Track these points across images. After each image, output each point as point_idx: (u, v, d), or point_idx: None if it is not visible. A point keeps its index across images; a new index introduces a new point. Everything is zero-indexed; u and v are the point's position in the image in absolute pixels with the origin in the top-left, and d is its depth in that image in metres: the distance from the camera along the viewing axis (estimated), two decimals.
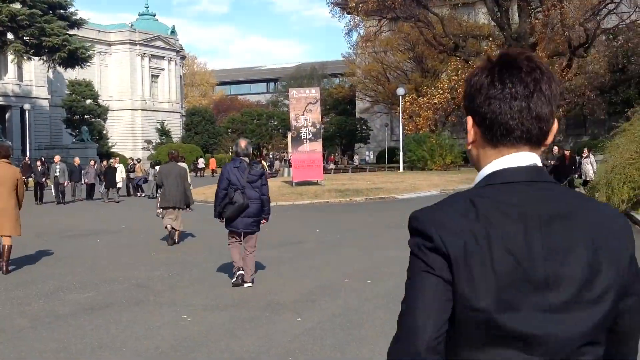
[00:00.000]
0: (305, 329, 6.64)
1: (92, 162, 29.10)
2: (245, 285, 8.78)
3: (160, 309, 7.68)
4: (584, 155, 22.69)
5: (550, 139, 1.54)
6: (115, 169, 27.49)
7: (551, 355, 1.37)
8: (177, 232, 13.36)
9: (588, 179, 21.85)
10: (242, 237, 8.93)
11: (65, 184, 26.05)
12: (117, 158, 32.18)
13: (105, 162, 29.96)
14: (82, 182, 27.86)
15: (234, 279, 8.88)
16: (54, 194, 26.22)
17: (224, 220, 8.90)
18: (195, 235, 14.65)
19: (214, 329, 6.74)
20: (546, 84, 1.50)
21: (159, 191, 13.98)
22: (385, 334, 6.37)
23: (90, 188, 28.08)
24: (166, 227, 13.31)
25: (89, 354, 5.94)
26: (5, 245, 10.11)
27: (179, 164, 17.60)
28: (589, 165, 21.91)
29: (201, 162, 55.62)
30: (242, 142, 9.17)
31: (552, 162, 22.59)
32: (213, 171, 52.23)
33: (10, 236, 10.08)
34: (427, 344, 1.37)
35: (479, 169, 1.57)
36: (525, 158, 1.50)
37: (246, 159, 9.00)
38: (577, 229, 1.43)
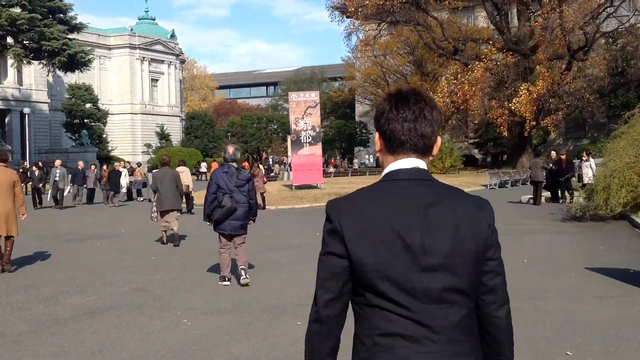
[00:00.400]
0: (304, 333, 6.63)
1: (92, 167, 29.09)
2: (242, 280, 9.14)
3: (160, 312, 7.68)
4: (584, 158, 22.70)
5: (435, 151, 2.15)
6: (119, 173, 27.50)
7: (422, 300, 1.94)
8: (174, 232, 13.88)
9: (587, 181, 21.85)
10: (229, 239, 9.32)
11: (65, 189, 25.78)
12: (122, 162, 32.25)
13: (105, 167, 29.92)
14: (84, 186, 27.87)
15: (222, 282, 9.32)
16: (49, 198, 25.94)
17: (213, 222, 9.26)
18: (195, 239, 14.64)
19: (213, 333, 6.74)
20: (428, 111, 2.10)
21: (154, 196, 14.37)
22: None
23: (91, 192, 28.11)
24: (165, 231, 13.91)
25: (89, 358, 5.94)
26: (6, 243, 10.66)
27: (180, 167, 18.22)
28: (589, 169, 21.92)
29: (203, 166, 55.67)
30: (230, 149, 9.62)
31: (551, 165, 22.62)
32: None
33: (12, 236, 10.55)
34: (324, 304, 2.06)
35: (383, 169, 2.14)
36: (412, 162, 2.09)
37: (234, 164, 9.43)
38: (445, 213, 2.00)
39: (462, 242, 1.98)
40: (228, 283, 9.23)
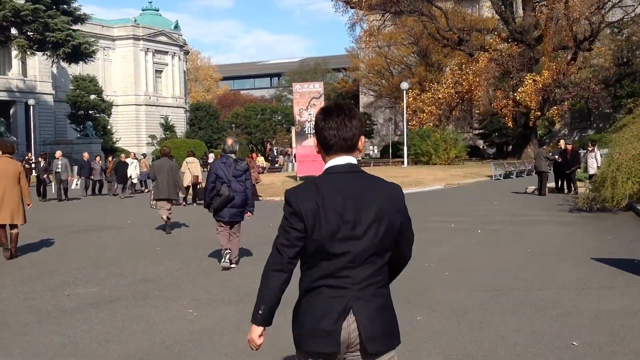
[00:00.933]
0: None
1: (97, 158, 29.03)
2: (232, 266, 9.82)
3: (165, 303, 7.70)
4: (589, 149, 22.59)
5: (359, 147, 2.99)
6: (126, 165, 27.33)
7: (353, 261, 2.86)
8: (166, 220, 14.46)
9: (592, 172, 21.75)
10: (229, 226, 9.95)
11: (69, 180, 25.47)
12: (133, 154, 32.15)
13: (110, 158, 29.91)
14: (91, 177, 27.87)
15: (223, 260, 9.81)
16: (54, 190, 25.62)
17: (213, 210, 9.90)
18: (201, 230, 14.67)
19: (219, 323, 6.76)
20: (348, 120, 2.93)
21: (152, 184, 15.11)
22: None
23: (98, 184, 28.14)
24: (162, 217, 14.50)
25: (95, 348, 5.96)
26: (12, 233, 11.14)
27: (189, 158, 18.93)
28: (594, 160, 21.81)
29: (211, 157, 55.77)
30: (229, 141, 10.31)
31: (556, 157, 22.58)
32: None
33: (17, 225, 11.10)
34: (286, 259, 2.93)
35: (325, 164, 3.01)
36: (344, 159, 2.96)
37: (232, 155, 10.02)
38: (370, 196, 2.90)
39: (382, 217, 2.91)
40: (230, 251, 9.88)
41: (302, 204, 2.89)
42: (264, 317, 3.12)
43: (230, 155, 10.01)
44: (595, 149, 22.40)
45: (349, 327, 2.92)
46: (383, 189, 2.98)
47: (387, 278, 3.10)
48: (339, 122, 2.93)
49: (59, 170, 24.67)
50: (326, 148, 2.98)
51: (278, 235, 2.97)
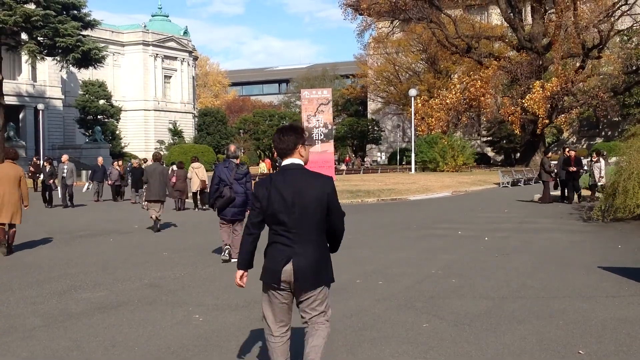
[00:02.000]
0: None
1: (114, 163, 28.32)
2: (232, 260, 10.62)
3: (172, 308, 7.71)
4: (594, 159, 22.36)
5: (300, 153, 4.55)
6: (142, 170, 25.81)
7: (294, 227, 4.39)
8: (156, 219, 15.65)
9: (595, 182, 21.61)
10: (231, 224, 11.05)
11: (74, 185, 24.51)
12: (145, 159, 31.86)
13: (120, 162, 29.46)
14: (108, 182, 27.09)
15: (223, 254, 11.06)
16: (60, 196, 24.61)
17: (216, 210, 11.02)
18: (207, 235, 14.69)
19: (225, 329, 6.77)
20: (289, 135, 4.53)
21: (144, 187, 16.61)
22: (397, 336, 6.37)
23: (116, 189, 27.19)
24: (151, 217, 15.71)
25: (102, 353, 5.98)
26: (11, 232, 12.17)
27: (195, 164, 21.10)
28: (597, 170, 21.65)
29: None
30: (232, 147, 11.52)
31: (554, 171, 22.64)
32: None
33: (15, 224, 12.16)
34: (252, 227, 4.56)
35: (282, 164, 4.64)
36: (292, 160, 4.53)
37: (235, 160, 11.08)
38: (308, 185, 4.43)
39: (316, 199, 4.43)
40: (229, 247, 11.06)
41: (259, 191, 4.55)
42: (242, 263, 4.69)
43: (232, 160, 11.05)
44: (600, 159, 22.25)
45: (288, 269, 4.45)
46: (317, 180, 4.54)
47: (323, 240, 4.60)
48: (282, 136, 4.61)
49: (65, 175, 23.92)
50: (280, 154, 4.66)
51: (250, 211, 4.89)
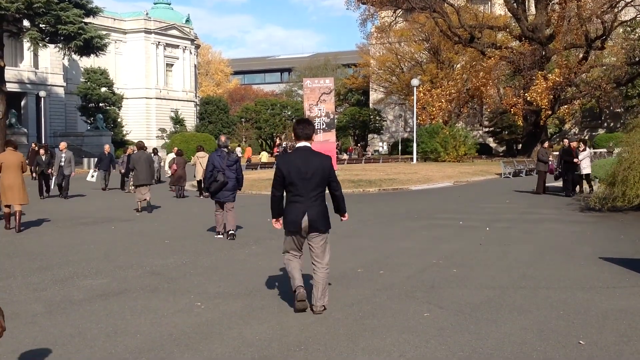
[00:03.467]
0: (317, 319, 6.67)
1: (129, 150, 27.26)
2: (230, 232, 12.34)
3: (173, 296, 7.74)
4: (581, 149, 22.02)
5: (313, 138, 7.03)
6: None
7: (306, 188, 6.72)
8: (147, 201, 17.48)
9: (586, 172, 21.30)
10: (222, 206, 12.54)
11: (72, 175, 22.98)
12: (155, 148, 31.38)
13: (129, 149, 28.55)
14: (113, 170, 26.53)
15: (216, 235, 12.74)
16: (52, 186, 23.16)
17: (210, 193, 12.57)
18: (209, 224, 14.72)
19: (226, 317, 6.79)
20: (311, 126, 7.02)
21: (131, 173, 18.64)
22: (398, 325, 6.39)
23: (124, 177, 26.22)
24: (138, 201, 17.51)
25: (104, 340, 6.01)
26: (17, 211, 13.60)
27: (200, 152, 22.64)
28: (585, 159, 21.35)
29: (238, 151, 56.31)
30: (222, 137, 13.17)
31: (550, 158, 22.53)
32: (248, 159, 51.72)
33: (20, 204, 13.67)
34: (277, 189, 6.87)
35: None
36: (304, 144, 6.89)
37: (225, 149, 12.68)
38: (315, 160, 6.80)
39: (320, 169, 6.72)
40: (221, 236, 12.56)
41: (281, 164, 6.86)
42: (276, 214, 6.94)
43: (223, 149, 12.65)
44: (587, 147, 22.03)
45: (305, 220, 6.71)
46: (321, 157, 6.90)
47: (323, 198, 6.81)
48: (305, 126, 6.96)
49: (62, 163, 22.34)
50: (297, 137, 6.97)
51: (273, 178, 6.93)
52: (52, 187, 23.18)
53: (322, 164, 6.79)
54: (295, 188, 6.71)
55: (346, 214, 7.18)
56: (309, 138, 6.89)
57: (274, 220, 6.98)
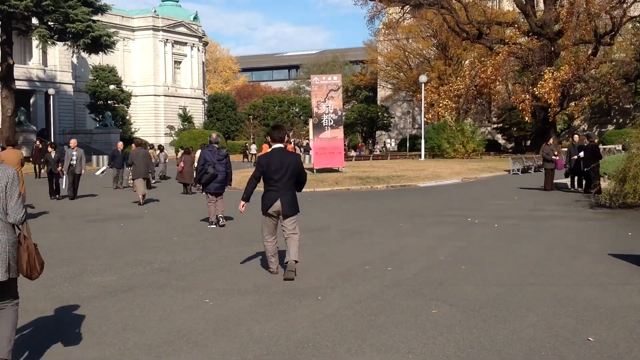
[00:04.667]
0: (325, 315, 6.68)
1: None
2: (220, 220, 13.73)
3: (182, 292, 7.76)
4: (575, 143, 21.64)
5: (285, 140, 9.11)
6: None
7: (280, 180, 8.45)
8: (144, 196, 18.95)
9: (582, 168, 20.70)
10: (215, 196, 13.86)
11: (82, 173, 21.45)
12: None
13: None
14: (126, 168, 24.74)
15: (209, 224, 13.92)
16: (63, 186, 22.06)
17: (202, 185, 13.88)
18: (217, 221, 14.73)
19: (234, 313, 6.80)
20: (282, 130, 9.11)
21: (130, 168, 20.24)
22: (406, 322, 6.38)
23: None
24: (139, 193, 18.85)
25: (113, 336, 6.03)
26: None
27: (216, 146, 22.32)
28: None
29: (253, 148, 57.23)
30: (214, 135, 14.69)
31: (555, 154, 22.35)
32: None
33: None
34: (255, 178, 8.63)
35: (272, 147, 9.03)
36: (279, 145, 8.73)
37: (216, 145, 14.05)
38: (289, 159, 8.61)
39: (292, 164, 8.53)
40: (214, 226, 13.72)
41: (262, 160, 8.63)
42: (246, 197, 8.64)
43: (214, 144, 14.06)
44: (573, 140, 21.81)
45: (277, 204, 8.40)
46: (293, 155, 8.83)
47: (294, 188, 8.59)
48: (280, 131, 8.90)
49: (74, 162, 20.79)
50: (272, 140, 8.82)
51: (254, 170, 8.75)
52: (62, 187, 22.16)
53: (294, 160, 8.68)
54: (272, 179, 8.46)
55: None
56: (282, 140, 8.81)
57: (242, 202, 8.73)
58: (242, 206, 8.70)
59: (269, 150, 8.84)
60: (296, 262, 8.48)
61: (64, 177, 21.76)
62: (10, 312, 4.99)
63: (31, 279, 5.16)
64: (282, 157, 8.51)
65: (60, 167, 21.09)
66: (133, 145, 27.27)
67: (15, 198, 4.90)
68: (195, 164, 22.69)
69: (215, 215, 13.78)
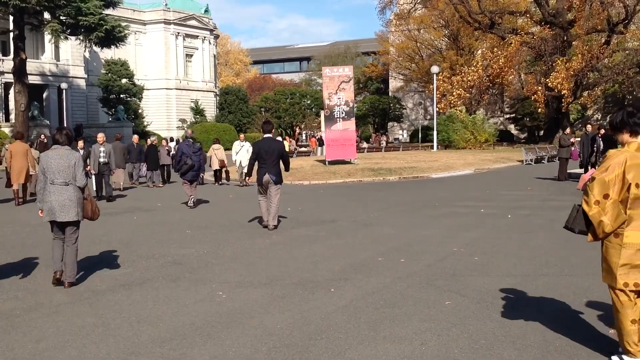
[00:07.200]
0: (338, 307, 6.68)
1: (163, 142, 26.22)
2: (193, 201, 16.31)
3: (195, 285, 7.78)
4: (588, 133, 21.52)
5: (272, 132, 12.90)
6: (157, 149, 24.74)
7: (269, 160, 12.17)
8: (121, 185, 21.65)
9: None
10: (190, 183, 16.41)
11: (112, 172, 19.35)
12: (166, 140, 29.63)
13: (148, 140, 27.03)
14: (143, 163, 24.33)
15: (189, 202, 16.42)
16: (94, 186, 18.66)
17: (181, 173, 16.26)
18: (230, 213, 14.77)
19: (247, 306, 6.82)
20: (270, 124, 12.94)
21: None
22: (419, 313, 6.37)
23: (165, 169, 25.27)
24: (119, 182, 21.54)
25: (127, 329, 6.05)
26: (23, 186, 17.96)
27: (215, 145, 25.23)
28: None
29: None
30: (189, 131, 19.03)
31: (572, 142, 22.23)
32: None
33: (26, 183, 17.96)
34: (252, 158, 12.69)
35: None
36: (268, 135, 12.58)
37: (191, 139, 17.15)
38: (273, 144, 12.44)
39: (277, 149, 12.27)
40: (192, 205, 16.26)
41: (255, 146, 12.58)
42: (249, 173, 12.84)
43: (189, 139, 17.11)
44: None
45: (266, 177, 12.10)
46: (277, 142, 12.64)
47: (279, 165, 12.33)
48: (269, 125, 12.75)
49: (102, 160, 18.56)
50: (263, 132, 12.90)
51: (251, 153, 12.88)
52: (94, 187, 18.73)
53: (278, 146, 12.35)
54: (263, 159, 12.10)
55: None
56: (270, 132, 12.48)
57: (248, 177, 13.11)
58: (249, 179, 13.45)
59: (261, 139, 12.65)
60: (275, 227, 12.19)
61: (92, 177, 18.84)
62: (75, 244, 8.01)
63: (93, 220, 8.54)
64: (269, 143, 12.25)
65: (88, 166, 18.18)
66: (152, 139, 27.20)
67: (80, 171, 7.83)
68: (217, 159, 24.76)
69: (192, 201, 16.36)
